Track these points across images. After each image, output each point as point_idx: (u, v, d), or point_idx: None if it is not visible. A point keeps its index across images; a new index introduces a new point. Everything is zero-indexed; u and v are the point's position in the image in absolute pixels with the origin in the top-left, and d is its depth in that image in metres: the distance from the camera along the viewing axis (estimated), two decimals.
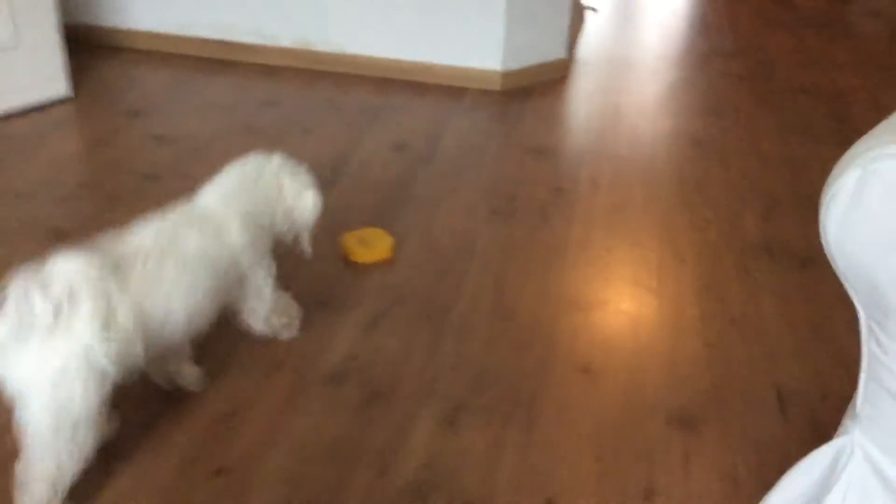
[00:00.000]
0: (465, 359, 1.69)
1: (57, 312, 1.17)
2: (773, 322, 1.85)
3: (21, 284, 1.16)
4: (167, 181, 2.26)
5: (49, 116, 2.58)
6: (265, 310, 1.62)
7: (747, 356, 1.74)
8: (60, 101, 2.66)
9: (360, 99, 2.89)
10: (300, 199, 1.61)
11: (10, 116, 2.55)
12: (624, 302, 1.90)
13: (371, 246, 1.98)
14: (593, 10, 4.03)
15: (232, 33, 3.09)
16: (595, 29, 3.83)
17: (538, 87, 3.07)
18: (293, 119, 2.70)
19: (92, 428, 1.26)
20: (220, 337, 1.64)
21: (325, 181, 2.31)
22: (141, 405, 1.51)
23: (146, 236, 1.38)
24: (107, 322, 1.22)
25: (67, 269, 1.20)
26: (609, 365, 1.70)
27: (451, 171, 2.43)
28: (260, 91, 2.88)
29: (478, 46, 2.97)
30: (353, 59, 3.06)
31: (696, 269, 2.03)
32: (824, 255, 0.95)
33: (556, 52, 3.13)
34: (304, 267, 1.86)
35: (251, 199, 1.55)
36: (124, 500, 1.34)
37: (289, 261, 1.71)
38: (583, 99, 3.03)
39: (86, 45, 3.12)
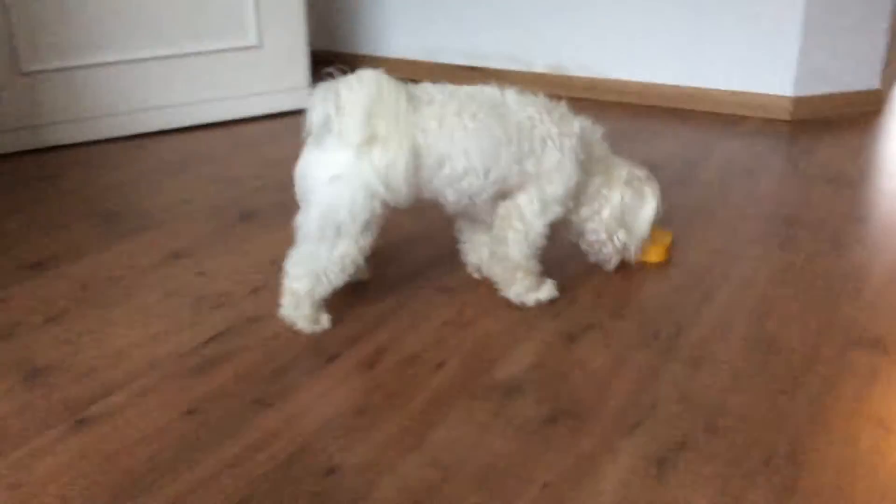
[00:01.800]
0: (697, 392, 1.19)
1: (348, 124, 1.23)
2: None
3: (325, 90, 1.25)
4: None
5: (284, 123, 2.52)
6: (521, 243, 1.40)
7: None
8: (299, 111, 2.59)
9: (610, 123, 2.50)
10: (641, 205, 1.49)
11: (249, 119, 2.53)
12: None
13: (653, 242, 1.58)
14: None
15: (484, 59, 2.90)
16: None
17: (840, 120, 2.48)
18: None
19: (353, 243, 1.29)
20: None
21: None
22: None
23: (441, 89, 1.35)
24: (388, 142, 1.24)
25: (368, 80, 1.25)
26: None
27: (711, 194, 1.94)
28: None
29: (763, 69, 2.47)
30: (612, 85, 2.70)
31: None
32: None
33: (867, 82, 2.53)
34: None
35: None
36: None
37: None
38: None
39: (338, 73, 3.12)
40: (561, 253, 1.58)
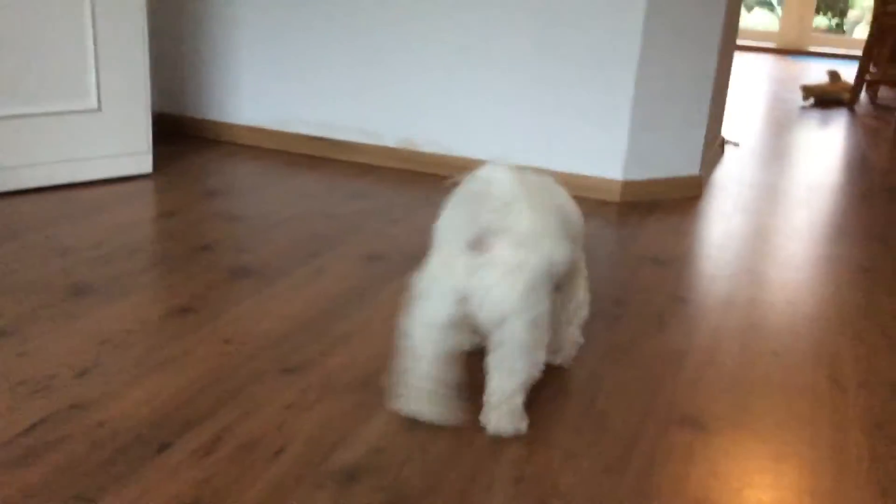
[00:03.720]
0: (532, 472, 1.23)
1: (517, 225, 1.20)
2: None
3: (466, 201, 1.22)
4: (220, 252, 1.99)
5: (124, 188, 2.43)
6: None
7: None
8: (140, 177, 2.52)
9: None
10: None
11: (87, 184, 2.42)
12: (762, 429, 1.40)
13: None
14: (735, 144, 3.67)
15: (333, 131, 2.93)
16: (738, 160, 3.45)
17: (665, 203, 2.68)
18: (380, 210, 2.42)
19: (548, 334, 1.31)
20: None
21: (401, 267, 1.99)
22: None
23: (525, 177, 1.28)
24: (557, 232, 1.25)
25: (506, 179, 1.21)
26: (733, 500, 1.20)
27: None
28: (351, 185, 2.65)
29: (596, 153, 2.64)
30: (460, 162, 2.80)
31: (862, 401, 1.51)
32: None
33: (688, 168, 2.76)
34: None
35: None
36: None
37: None
38: (718, 218, 2.61)
39: (182, 136, 3.06)
40: None
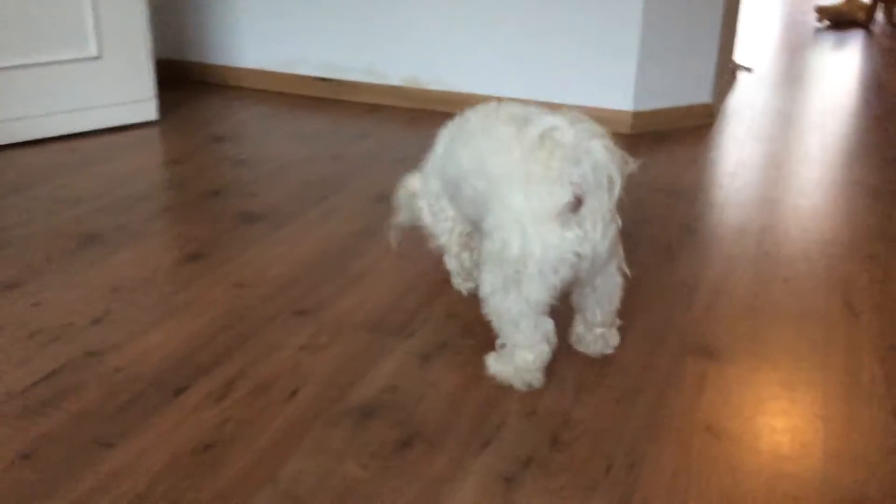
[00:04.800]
0: (543, 407, 1.24)
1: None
2: None
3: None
4: (228, 197, 1.99)
5: (129, 136, 2.41)
6: None
7: None
8: (145, 124, 2.50)
9: None
10: None
11: (91, 133, 2.41)
12: (775, 356, 1.40)
13: None
14: (747, 70, 3.59)
15: (339, 71, 2.89)
16: (750, 86, 3.38)
17: (676, 132, 2.64)
18: (386, 150, 2.40)
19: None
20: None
21: None
22: None
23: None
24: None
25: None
26: (745, 427, 1.21)
27: None
28: (358, 126, 2.63)
29: (605, 86, 2.59)
30: (466, 98, 2.76)
31: (876, 325, 1.50)
32: None
33: (699, 97, 2.70)
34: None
35: None
36: None
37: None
38: (730, 145, 2.57)
39: (187, 81, 3.03)
40: (418, 270, 1.61)
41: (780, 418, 1.24)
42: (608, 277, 1.32)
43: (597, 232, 1.22)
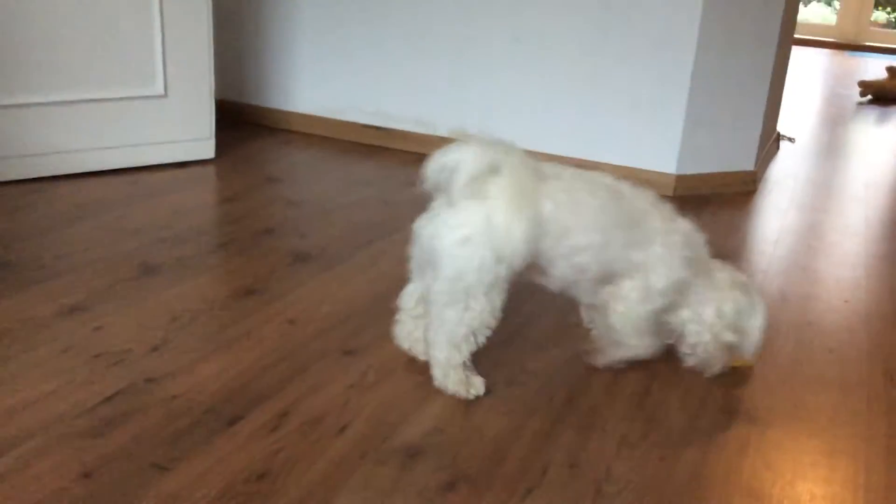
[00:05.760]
0: (586, 457, 1.26)
1: (475, 184, 1.29)
2: None
3: (446, 156, 1.30)
4: (282, 236, 2.05)
5: (187, 172, 2.50)
6: (625, 325, 1.46)
7: None
8: (203, 162, 2.59)
9: None
10: (752, 310, 1.49)
11: (152, 167, 2.50)
12: (816, 424, 1.41)
13: None
14: (791, 140, 3.63)
15: (389, 120, 2.98)
16: (793, 156, 3.41)
17: (718, 197, 2.68)
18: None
19: (485, 302, 1.33)
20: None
21: None
22: None
23: (565, 169, 1.42)
24: (516, 207, 1.28)
25: (495, 148, 1.32)
26: (786, 493, 1.21)
27: None
28: (406, 173, 2.69)
29: (650, 147, 2.64)
30: None
31: None
32: None
33: (743, 163, 2.74)
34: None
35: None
36: None
37: None
38: (772, 213, 2.59)
39: (243, 123, 3.13)
40: None
41: (820, 485, 1.25)
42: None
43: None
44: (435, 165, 1.33)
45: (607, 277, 1.44)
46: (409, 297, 1.47)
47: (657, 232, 1.44)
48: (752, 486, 1.22)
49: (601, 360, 1.52)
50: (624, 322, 1.45)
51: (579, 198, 1.38)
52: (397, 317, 1.50)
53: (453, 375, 1.38)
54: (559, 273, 1.41)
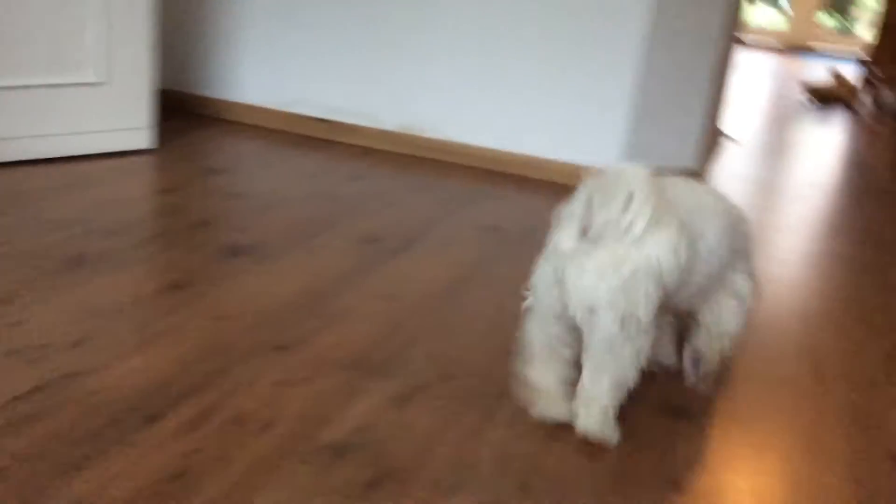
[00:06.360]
0: (514, 453, 1.25)
1: (629, 222, 1.17)
2: None
3: (590, 194, 1.19)
4: (218, 229, 2.01)
5: (124, 162, 2.44)
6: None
7: None
8: (142, 152, 2.53)
9: (455, 184, 2.61)
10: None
11: (88, 157, 2.43)
12: (744, 419, 1.42)
13: None
14: (734, 140, 3.68)
15: (337, 113, 2.95)
16: (736, 156, 3.46)
17: None
18: (377, 193, 2.43)
19: (648, 338, 1.25)
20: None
21: (396, 249, 2.00)
22: None
23: (674, 182, 1.32)
24: (672, 236, 1.21)
25: (635, 177, 1.18)
26: (713, 486, 1.22)
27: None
28: (352, 167, 2.67)
29: (594, 142, 2.66)
30: (458, 148, 2.82)
31: (843, 394, 1.53)
32: None
33: (684, 160, 2.77)
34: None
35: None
36: None
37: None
38: None
39: (187, 113, 3.07)
40: (403, 311, 1.63)
41: (747, 477, 1.25)
42: (599, 330, 1.26)
43: (587, 263, 1.21)
44: (587, 196, 1.21)
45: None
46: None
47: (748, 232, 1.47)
48: (679, 480, 1.23)
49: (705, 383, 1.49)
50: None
51: (698, 216, 1.32)
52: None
53: (611, 419, 1.30)
54: (685, 294, 1.35)
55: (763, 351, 1.67)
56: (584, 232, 1.20)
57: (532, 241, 2.17)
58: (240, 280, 1.75)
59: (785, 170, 3.39)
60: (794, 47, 8.29)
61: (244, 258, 1.86)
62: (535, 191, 2.63)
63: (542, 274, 1.29)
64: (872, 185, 3.24)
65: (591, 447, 1.28)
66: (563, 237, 1.22)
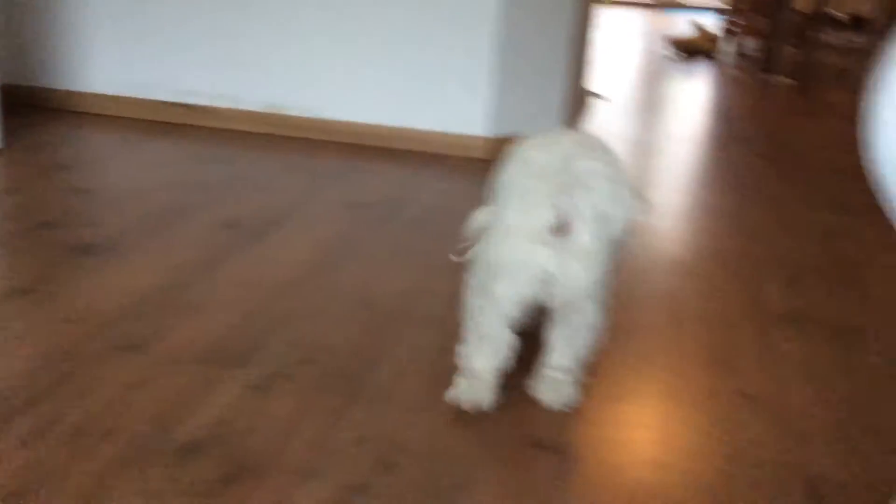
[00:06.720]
0: (376, 431, 1.24)
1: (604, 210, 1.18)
2: (799, 399, 1.38)
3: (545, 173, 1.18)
4: (65, 228, 1.90)
5: None
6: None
7: (766, 439, 1.27)
8: None
9: (325, 162, 2.56)
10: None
11: None
12: (603, 369, 1.45)
13: None
14: (603, 98, 3.75)
15: (196, 97, 2.83)
16: (606, 114, 3.53)
17: None
18: (241, 176, 2.36)
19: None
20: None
21: (259, 233, 1.95)
22: None
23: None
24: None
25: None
26: (577, 440, 1.24)
27: (413, 231, 2.05)
28: (213, 152, 2.57)
29: (460, 111, 2.65)
30: (325, 125, 2.76)
31: (701, 339, 1.58)
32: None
33: (550, 122, 2.80)
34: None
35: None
36: None
37: None
38: None
39: (33, 108, 2.89)
40: (260, 298, 1.58)
41: (607, 429, 1.28)
42: (581, 317, 1.29)
43: (573, 260, 1.19)
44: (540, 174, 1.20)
45: None
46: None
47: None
48: (539, 437, 1.24)
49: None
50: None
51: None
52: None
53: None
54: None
55: (626, 299, 1.71)
56: (558, 228, 1.17)
57: (399, 215, 2.16)
58: (91, 279, 1.66)
59: (653, 125, 3.48)
60: (663, 3, 8.52)
61: (93, 257, 1.76)
62: (402, 162, 2.60)
63: (522, 268, 1.21)
64: (736, 133, 3.36)
65: (459, 417, 1.28)
66: (533, 219, 1.18)
